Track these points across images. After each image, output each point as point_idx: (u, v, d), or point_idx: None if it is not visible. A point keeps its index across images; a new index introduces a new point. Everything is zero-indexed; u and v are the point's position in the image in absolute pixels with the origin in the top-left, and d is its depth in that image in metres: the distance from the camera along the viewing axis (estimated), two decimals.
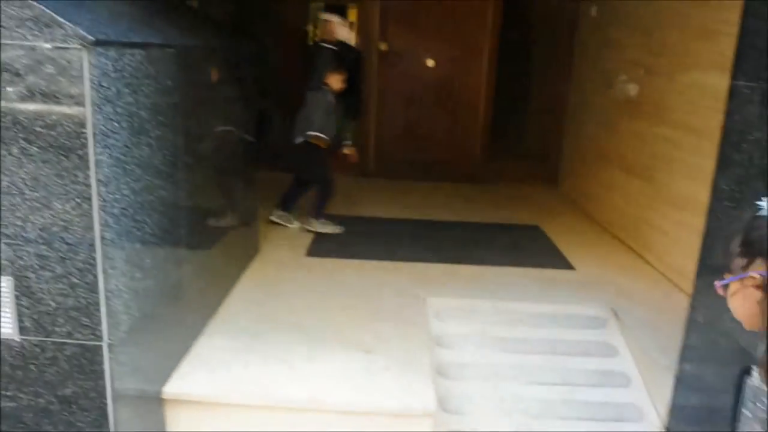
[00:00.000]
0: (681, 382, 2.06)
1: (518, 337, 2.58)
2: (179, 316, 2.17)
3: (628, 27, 3.93)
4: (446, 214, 4.26)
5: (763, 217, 1.09)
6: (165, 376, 2.06)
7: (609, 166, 4.04)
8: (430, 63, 5.14)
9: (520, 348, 2.52)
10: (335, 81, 3.53)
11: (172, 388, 2.03)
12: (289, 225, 3.70)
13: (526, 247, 3.60)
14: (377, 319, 2.62)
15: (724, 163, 1.88)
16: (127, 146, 1.66)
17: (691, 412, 2.03)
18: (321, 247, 3.45)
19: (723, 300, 1.82)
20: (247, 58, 3.10)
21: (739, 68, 1.82)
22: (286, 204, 3.72)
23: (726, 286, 1.18)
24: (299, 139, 3.54)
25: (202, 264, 2.38)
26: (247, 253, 3.15)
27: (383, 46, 5.16)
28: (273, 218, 3.68)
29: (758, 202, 1.11)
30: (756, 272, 1.07)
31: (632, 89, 3.77)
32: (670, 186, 3.18)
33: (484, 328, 2.62)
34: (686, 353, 2.02)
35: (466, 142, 5.36)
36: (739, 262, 1.12)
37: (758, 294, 1.08)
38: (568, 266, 3.32)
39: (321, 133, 3.51)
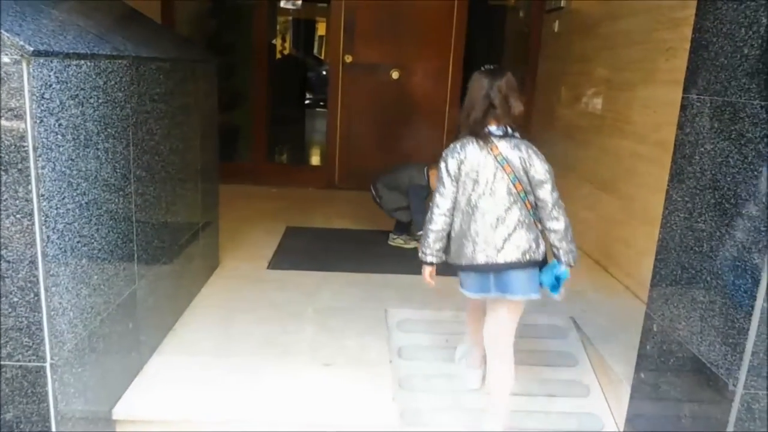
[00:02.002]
0: (636, 391, 2.07)
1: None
2: (131, 334, 2.11)
3: (590, 42, 3.99)
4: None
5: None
6: (115, 396, 2.00)
7: (575, 179, 4.09)
8: (395, 75, 5.15)
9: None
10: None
11: (122, 409, 1.97)
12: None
13: None
14: (338, 331, 2.59)
15: (677, 174, 1.91)
16: (72, 159, 1.61)
17: (646, 420, 2.04)
18: (283, 259, 3.41)
19: (677, 309, 1.85)
20: (212, 72, 3.06)
21: (690, 81, 1.85)
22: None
23: None
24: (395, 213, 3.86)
25: (156, 279, 2.32)
26: (207, 267, 3.09)
27: (348, 58, 5.16)
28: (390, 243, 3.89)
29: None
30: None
31: (598, 103, 3.83)
32: (636, 199, 3.22)
33: (447, 339, 2.61)
34: (641, 362, 2.04)
35: (432, 153, 5.37)
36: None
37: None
38: None
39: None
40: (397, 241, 3.82)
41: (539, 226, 2.04)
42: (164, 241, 2.42)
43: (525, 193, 2.00)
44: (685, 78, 1.88)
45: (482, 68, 2.07)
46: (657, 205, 2.58)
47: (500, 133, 2.01)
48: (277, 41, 9.30)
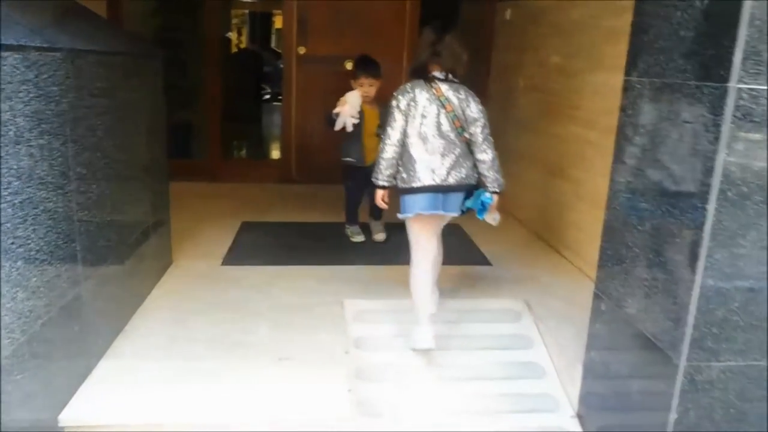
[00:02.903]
0: (588, 370, 2.11)
1: (436, 334, 2.58)
2: (77, 338, 2.04)
3: (541, 30, 4.02)
4: (368, 216, 4.24)
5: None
6: (62, 402, 1.94)
7: (529, 165, 4.13)
8: (349, 66, 5.11)
9: (438, 344, 2.52)
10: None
11: (69, 415, 1.92)
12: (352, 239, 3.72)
13: (446, 246, 3.60)
14: (294, 325, 2.57)
15: (620, 156, 1.94)
16: (0, 157, 1.55)
17: (599, 398, 2.08)
18: (238, 255, 3.36)
19: (624, 288, 1.88)
20: (158, 67, 2.99)
21: (631, 64, 1.88)
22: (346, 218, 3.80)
23: None
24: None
25: (104, 280, 2.26)
26: (159, 266, 3.03)
27: (302, 50, 5.11)
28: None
29: None
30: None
31: (549, 91, 3.86)
32: (586, 184, 3.27)
33: (403, 327, 2.61)
34: (592, 342, 2.08)
35: None
36: None
37: None
38: (486, 263, 3.36)
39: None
40: (346, 232, 3.78)
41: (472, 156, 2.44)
42: (111, 240, 2.35)
43: (462, 128, 2.38)
44: (626, 61, 1.91)
45: (430, 25, 2.46)
46: (605, 189, 2.64)
47: (442, 77, 2.38)
48: (233, 35, 9.15)
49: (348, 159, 3.59)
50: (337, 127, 3.39)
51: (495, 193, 2.43)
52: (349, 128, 3.39)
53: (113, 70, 2.37)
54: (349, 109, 3.37)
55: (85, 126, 2.08)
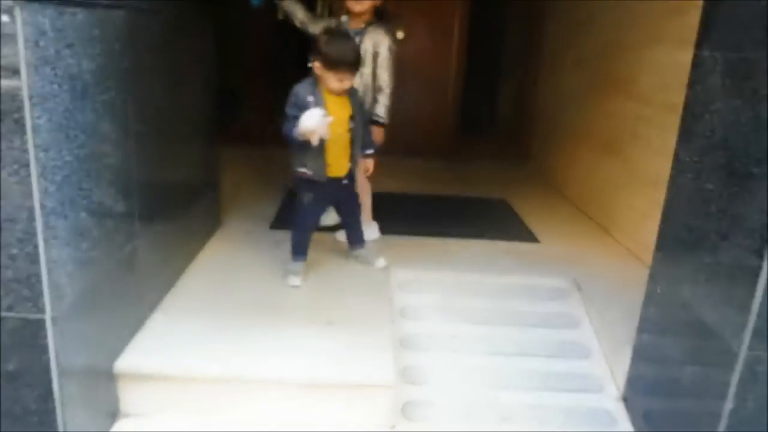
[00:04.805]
0: (638, 353, 2.07)
1: (480, 308, 2.57)
2: (132, 290, 2.10)
3: (597, 3, 3.89)
4: (414, 187, 4.22)
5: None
6: (117, 350, 2.00)
7: (579, 143, 4.04)
8: (400, 35, 5.04)
9: (482, 319, 2.51)
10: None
11: (124, 363, 1.98)
12: None
13: (492, 221, 3.59)
14: (340, 291, 2.59)
15: (685, 134, 1.87)
16: (69, 111, 1.58)
17: (647, 382, 2.05)
18: (285, 219, 3.39)
19: (682, 271, 1.83)
20: (211, 29, 2.99)
21: (704, 37, 1.80)
22: None
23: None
24: None
25: (157, 236, 2.31)
26: (208, 226, 3.08)
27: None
28: None
29: None
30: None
31: (603, 65, 3.75)
32: (640, 162, 3.18)
33: (448, 299, 2.61)
34: (644, 324, 2.03)
35: (436, 118, 5.31)
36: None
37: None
38: (534, 239, 3.32)
39: None
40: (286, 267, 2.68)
41: None
42: (165, 198, 2.40)
43: None
44: (698, 33, 1.82)
45: None
46: (659, 168, 2.56)
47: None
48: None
49: (302, 170, 2.51)
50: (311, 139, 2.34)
51: None
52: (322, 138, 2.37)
53: (171, 30, 2.38)
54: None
55: (144, 84, 2.10)
